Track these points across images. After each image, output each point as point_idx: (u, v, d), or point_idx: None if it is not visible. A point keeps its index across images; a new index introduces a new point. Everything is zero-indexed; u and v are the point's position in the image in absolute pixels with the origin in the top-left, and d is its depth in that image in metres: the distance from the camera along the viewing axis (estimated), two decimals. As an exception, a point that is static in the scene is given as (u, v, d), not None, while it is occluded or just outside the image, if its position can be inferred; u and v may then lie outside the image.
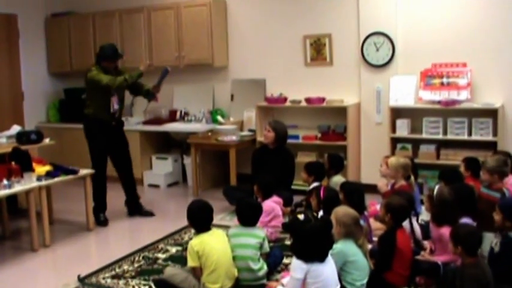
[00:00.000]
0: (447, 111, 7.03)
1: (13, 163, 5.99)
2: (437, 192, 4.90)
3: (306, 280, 3.90)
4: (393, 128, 7.29)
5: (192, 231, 6.04)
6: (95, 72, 6.56)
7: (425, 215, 5.68)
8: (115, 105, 6.76)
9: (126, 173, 7.12)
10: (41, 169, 6.32)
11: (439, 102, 7.04)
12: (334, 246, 4.25)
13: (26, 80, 9.62)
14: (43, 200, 6.06)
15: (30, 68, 9.69)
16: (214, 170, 8.46)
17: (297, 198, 6.79)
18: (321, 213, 4.44)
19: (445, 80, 7.10)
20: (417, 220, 5.42)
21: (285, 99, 7.91)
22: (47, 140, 7.21)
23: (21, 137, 6.96)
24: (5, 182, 5.72)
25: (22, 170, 5.97)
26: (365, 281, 4.41)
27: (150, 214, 7.14)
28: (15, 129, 7.33)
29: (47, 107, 10.03)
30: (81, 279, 5.04)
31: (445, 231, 4.62)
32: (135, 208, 7.16)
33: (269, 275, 4.82)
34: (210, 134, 8.02)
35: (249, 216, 4.83)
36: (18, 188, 5.84)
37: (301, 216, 4.03)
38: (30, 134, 7.05)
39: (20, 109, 9.57)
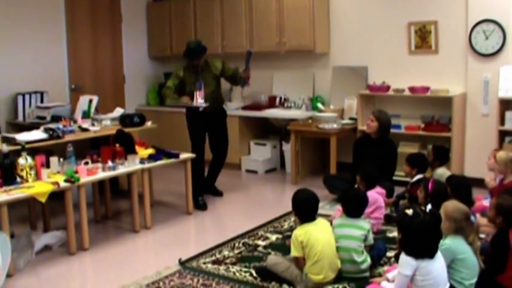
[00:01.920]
0: (563, 103, 6.68)
1: (117, 145, 6.11)
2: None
3: (415, 277, 3.77)
4: (501, 121, 6.97)
5: (292, 218, 6.05)
6: (175, 73, 6.98)
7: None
8: (199, 99, 6.75)
9: (218, 162, 7.31)
10: (144, 152, 6.44)
11: (554, 93, 6.70)
12: (442, 242, 4.09)
13: (128, 64, 9.83)
14: (145, 183, 6.16)
15: (131, 52, 9.88)
16: (313, 157, 8.37)
17: (397, 190, 6.63)
18: (428, 206, 4.29)
19: (561, 70, 6.74)
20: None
21: (388, 88, 7.72)
22: (148, 123, 7.34)
23: (125, 120, 7.11)
24: (109, 163, 5.85)
25: (126, 152, 6.07)
26: (474, 281, 4.23)
27: (221, 194, 7.36)
28: (118, 111, 7.50)
29: (147, 90, 10.22)
30: (182, 263, 5.09)
31: None
32: (209, 186, 7.30)
33: (372, 268, 4.72)
34: (310, 121, 7.93)
35: (354, 207, 4.77)
36: (122, 170, 5.96)
37: (409, 211, 3.88)
38: (133, 117, 7.19)
39: (122, 92, 9.78)
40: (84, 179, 5.55)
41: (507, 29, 7.02)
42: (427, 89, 7.44)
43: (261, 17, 8.70)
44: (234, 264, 5.05)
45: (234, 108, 8.89)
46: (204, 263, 5.10)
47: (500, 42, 7.07)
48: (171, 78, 6.99)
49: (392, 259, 4.90)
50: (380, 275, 4.55)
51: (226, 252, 5.33)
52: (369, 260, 4.65)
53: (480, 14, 7.17)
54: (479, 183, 6.26)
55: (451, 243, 4.17)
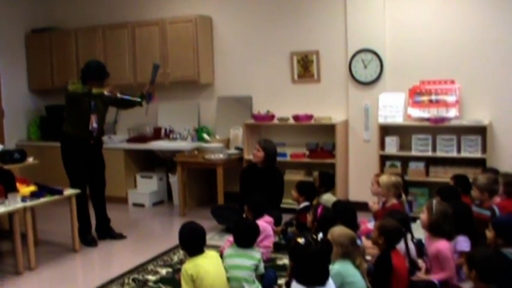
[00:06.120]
0: (436, 128, 7.02)
1: (-4, 183, 5.85)
2: (436, 203, 4.84)
3: (307, 303, 3.81)
4: (382, 146, 7.26)
5: (182, 251, 5.95)
6: (73, 83, 6.54)
7: (417, 233, 5.61)
8: (94, 124, 6.59)
9: (99, 194, 6.95)
10: (25, 189, 6.16)
11: (427, 119, 7.03)
12: (332, 267, 4.16)
13: (6, 97, 9.46)
14: (28, 222, 5.88)
15: (10, 85, 9.51)
16: (201, 188, 8.35)
17: (285, 217, 6.71)
18: (320, 235, 4.36)
19: (433, 97, 7.09)
20: (412, 239, 5.36)
21: (273, 117, 7.84)
22: (30, 159, 7.06)
23: (4, 156, 6.80)
24: (-12, 203, 5.58)
25: (6, 190, 5.81)
26: (363, 302, 4.34)
27: (121, 237, 6.94)
28: (-2, 147, 7.18)
29: (28, 124, 9.86)
30: (69, 303, 4.90)
31: (442, 246, 4.61)
32: (105, 231, 6.95)
33: (263, 297, 4.73)
34: (196, 152, 7.92)
35: (246, 238, 4.75)
36: (2, 209, 5.68)
37: (301, 240, 3.92)
38: (13, 153, 6.90)
39: (0, 127, 9.40)
40: (-39, 220, 5.27)
41: (383, 58, 7.33)
42: (310, 117, 7.61)
43: (144, 48, 8.64)
44: (123, 301, 4.93)
45: (118, 141, 8.75)
46: (93, 302, 4.93)
47: (378, 70, 7.38)
48: (73, 84, 6.47)
49: (283, 287, 4.91)
50: (272, 304, 4.57)
51: (115, 290, 5.19)
52: (260, 288, 4.66)
53: (359, 44, 7.47)
54: (363, 207, 6.43)
55: (340, 267, 4.26)
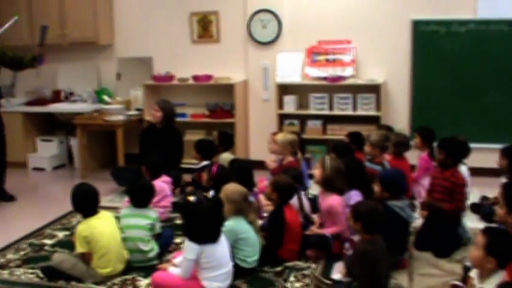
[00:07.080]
0: (333, 87, 7.20)
1: None
2: (329, 159, 4.98)
3: (200, 260, 3.90)
4: (280, 105, 7.40)
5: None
6: None
7: (313, 189, 5.78)
8: None
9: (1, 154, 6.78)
10: None
11: (325, 78, 7.19)
12: (225, 223, 4.26)
13: None
14: None
15: None
16: (102, 150, 8.26)
17: (186, 177, 6.76)
18: (211, 193, 4.44)
19: (330, 56, 7.25)
20: (306, 195, 5.52)
21: (172, 77, 7.83)
22: None
23: None
24: None
25: None
26: (256, 257, 4.47)
27: (11, 199, 6.81)
28: None
29: None
30: (-39, 272, 4.78)
31: (334, 201, 4.76)
32: None
33: (160, 256, 4.78)
34: (96, 114, 7.83)
35: (141, 198, 4.78)
36: None
37: (192, 198, 3.99)
38: None
39: None
40: None
41: (282, 18, 7.42)
42: (210, 77, 7.65)
43: (41, 8, 8.35)
44: (19, 266, 4.83)
45: (17, 104, 8.51)
46: (-14, 269, 4.83)
47: (276, 31, 7.47)
48: None
49: (181, 245, 4.98)
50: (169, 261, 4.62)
51: (10, 256, 5.08)
52: (156, 248, 4.70)
53: (257, 4, 7.52)
54: (263, 165, 6.54)
55: (233, 224, 4.37)
